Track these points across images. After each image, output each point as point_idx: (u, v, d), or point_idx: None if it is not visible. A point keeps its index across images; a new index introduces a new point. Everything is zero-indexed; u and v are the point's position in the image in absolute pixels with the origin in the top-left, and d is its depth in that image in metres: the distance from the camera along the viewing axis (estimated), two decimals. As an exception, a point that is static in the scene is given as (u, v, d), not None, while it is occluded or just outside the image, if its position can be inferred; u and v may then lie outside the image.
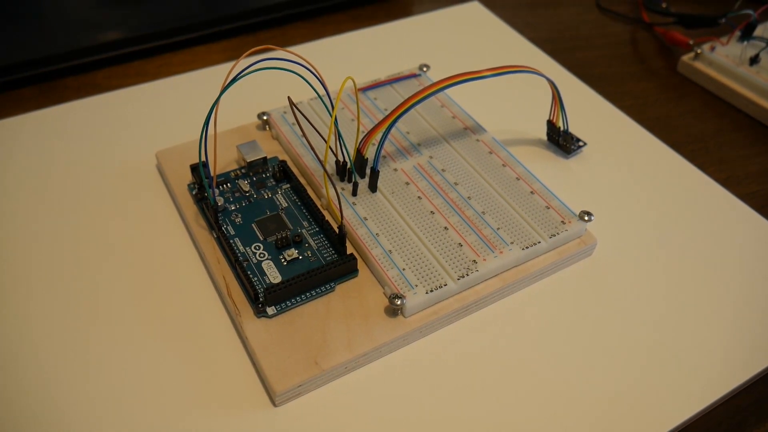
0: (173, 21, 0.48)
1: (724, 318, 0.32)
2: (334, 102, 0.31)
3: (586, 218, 0.34)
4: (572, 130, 0.41)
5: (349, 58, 0.48)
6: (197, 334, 0.30)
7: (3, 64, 0.44)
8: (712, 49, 0.49)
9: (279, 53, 0.31)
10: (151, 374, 0.29)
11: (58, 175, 0.38)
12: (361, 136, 0.35)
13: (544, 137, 0.42)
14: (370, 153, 0.35)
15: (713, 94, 0.48)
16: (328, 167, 0.36)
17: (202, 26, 0.49)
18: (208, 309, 0.31)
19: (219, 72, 0.46)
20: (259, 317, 0.30)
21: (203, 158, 0.31)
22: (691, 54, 0.49)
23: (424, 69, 0.43)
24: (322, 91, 0.32)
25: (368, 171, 0.35)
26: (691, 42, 0.50)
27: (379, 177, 0.35)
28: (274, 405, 0.28)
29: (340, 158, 0.35)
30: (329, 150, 0.35)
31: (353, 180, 0.34)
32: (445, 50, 0.49)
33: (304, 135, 0.31)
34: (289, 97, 0.32)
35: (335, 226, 0.32)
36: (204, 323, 0.31)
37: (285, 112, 0.39)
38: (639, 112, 0.46)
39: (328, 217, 0.34)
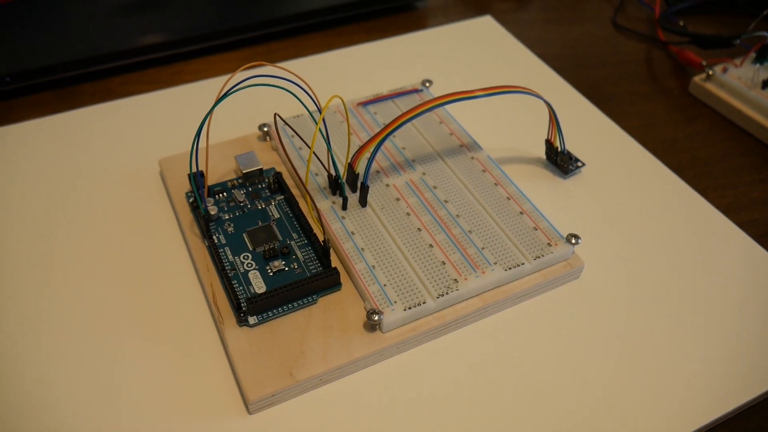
0: (188, 30, 0.50)
1: (713, 347, 0.32)
2: (322, 118, 0.32)
3: (573, 241, 0.34)
4: (573, 149, 0.41)
5: (357, 70, 0.49)
6: (183, 338, 0.32)
7: (23, 69, 0.46)
8: (725, 70, 0.48)
9: (269, 69, 0.32)
10: (132, 375, 0.30)
11: (66, 176, 0.40)
12: (354, 151, 0.35)
13: (544, 156, 0.42)
14: (361, 168, 0.35)
15: (723, 116, 0.47)
16: (321, 180, 0.37)
17: (215, 36, 0.51)
18: (195, 315, 0.32)
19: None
20: (240, 326, 0.31)
21: (194, 169, 0.32)
22: (703, 75, 0.48)
23: (427, 84, 0.44)
24: (312, 107, 0.33)
25: (360, 185, 0.35)
26: (704, 63, 0.49)
27: (371, 192, 0.36)
28: (249, 412, 0.29)
29: (333, 172, 0.36)
30: (324, 162, 0.36)
31: (343, 194, 0.35)
32: (452, 65, 0.50)
33: (292, 149, 0.32)
34: (276, 114, 0.33)
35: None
36: (190, 329, 0.32)
37: (286, 124, 0.40)
38: (644, 133, 0.45)
39: (318, 229, 0.35)
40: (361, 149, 0.34)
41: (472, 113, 0.43)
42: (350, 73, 0.49)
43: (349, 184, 0.36)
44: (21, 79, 0.46)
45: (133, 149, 0.42)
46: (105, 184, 0.39)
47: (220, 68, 0.50)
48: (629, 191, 0.40)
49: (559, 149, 0.40)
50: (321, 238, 0.32)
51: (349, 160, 0.35)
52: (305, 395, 0.30)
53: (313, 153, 0.35)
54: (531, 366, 0.31)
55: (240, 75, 0.32)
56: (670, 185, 0.41)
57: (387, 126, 0.34)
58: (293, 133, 0.39)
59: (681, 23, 0.55)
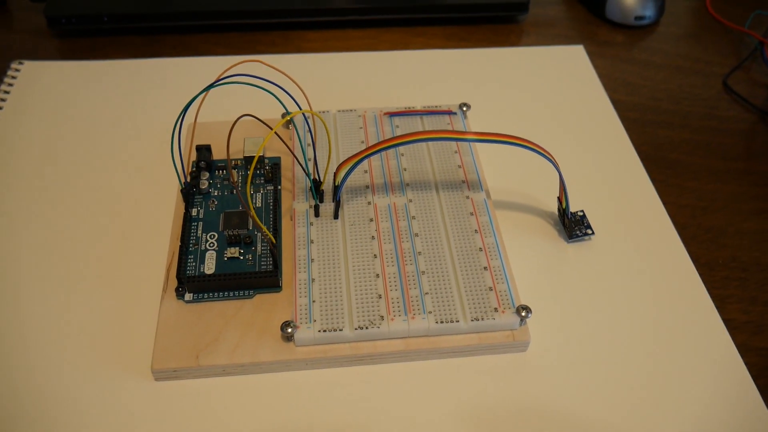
0: (275, 3, 0.52)
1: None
2: (311, 123, 0.33)
3: (523, 314, 0.32)
4: (595, 213, 0.38)
5: (409, 76, 0.48)
6: (132, 291, 0.35)
7: (119, 12, 0.51)
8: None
9: (267, 60, 0.33)
10: (70, 308, 0.34)
11: (108, 118, 0.44)
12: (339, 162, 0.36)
13: (557, 213, 0.39)
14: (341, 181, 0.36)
15: (797, 220, 0.41)
16: (308, 182, 0.38)
17: (293, 14, 0.52)
18: (152, 276, 0.35)
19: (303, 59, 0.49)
20: (177, 299, 0.33)
21: (176, 142, 0.34)
22: (790, 168, 0.42)
23: (464, 108, 0.43)
24: (306, 110, 0.34)
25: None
26: (800, 153, 0.43)
27: (349, 206, 0.36)
28: (154, 379, 0.31)
29: (316, 177, 0.36)
30: (321, 166, 0.37)
31: (316, 201, 0.36)
32: (509, 91, 0.47)
33: (300, 144, 0.33)
34: (283, 113, 0.33)
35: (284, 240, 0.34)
36: (142, 286, 0.35)
37: (309, 117, 0.41)
38: (690, 216, 0.41)
39: (287, 228, 0.36)
40: (342, 164, 0.35)
41: (502, 149, 0.41)
42: (400, 78, 0.48)
43: (333, 194, 0.36)
44: (116, 21, 0.51)
45: (181, 106, 0.45)
46: (134, 136, 0.43)
47: (295, 45, 0.52)
48: (634, 278, 0.36)
49: (566, 211, 0.37)
50: (273, 242, 0.34)
51: (325, 172, 0.36)
52: (207, 380, 0.32)
53: (305, 156, 0.35)
54: (432, 418, 0.30)
55: (238, 68, 0.33)
56: (685, 287, 0.36)
57: (367, 149, 0.34)
58: (315, 127, 0.40)
59: (803, 100, 0.48)
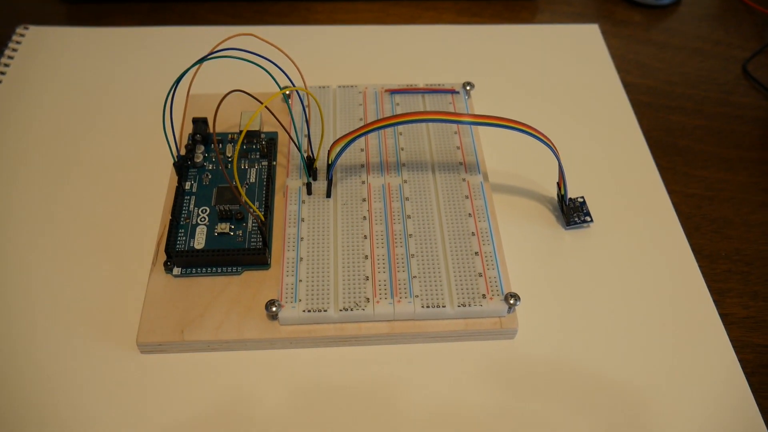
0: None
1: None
2: (304, 97, 0.32)
3: (512, 301, 0.32)
4: (597, 201, 0.38)
5: (415, 52, 0.47)
6: (123, 266, 0.35)
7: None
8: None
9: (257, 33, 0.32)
10: (56, 283, 0.34)
11: (110, 87, 0.44)
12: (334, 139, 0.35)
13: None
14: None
15: (808, 215, 0.40)
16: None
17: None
18: (143, 248, 0.35)
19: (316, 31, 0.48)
20: (166, 272, 0.33)
21: (168, 119, 0.33)
22: (804, 159, 0.40)
23: (467, 87, 0.41)
24: (300, 86, 0.33)
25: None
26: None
27: (343, 185, 0.36)
28: (140, 351, 0.32)
29: (310, 154, 0.36)
30: (315, 143, 0.36)
31: (308, 179, 0.35)
32: (517, 70, 0.46)
33: (299, 120, 0.33)
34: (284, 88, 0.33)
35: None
36: (134, 258, 0.35)
37: (303, 93, 0.41)
38: (695, 206, 0.40)
39: (279, 205, 0.36)
40: (335, 143, 0.34)
41: (503, 131, 0.40)
42: (406, 54, 0.47)
43: (327, 172, 0.36)
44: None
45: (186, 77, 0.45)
46: (136, 104, 0.43)
47: (302, 16, 0.51)
48: (630, 269, 0.36)
49: (564, 197, 0.36)
50: (261, 219, 0.33)
51: (319, 149, 0.35)
52: (192, 354, 0.32)
53: (300, 133, 0.35)
54: (414, 402, 0.30)
55: (234, 41, 0.33)
56: (684, 280, 0.35)
57: (359, 128, 0.33)
58: (308, 103, 0.40)
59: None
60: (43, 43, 0.47)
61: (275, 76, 0.33)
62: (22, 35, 0.48)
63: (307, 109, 0.36)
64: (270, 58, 0.33)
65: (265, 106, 0.31)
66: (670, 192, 0.39)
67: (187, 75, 0.32)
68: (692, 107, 0.46)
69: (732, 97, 0.46)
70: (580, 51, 0.48)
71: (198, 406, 0.30)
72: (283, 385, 0.31)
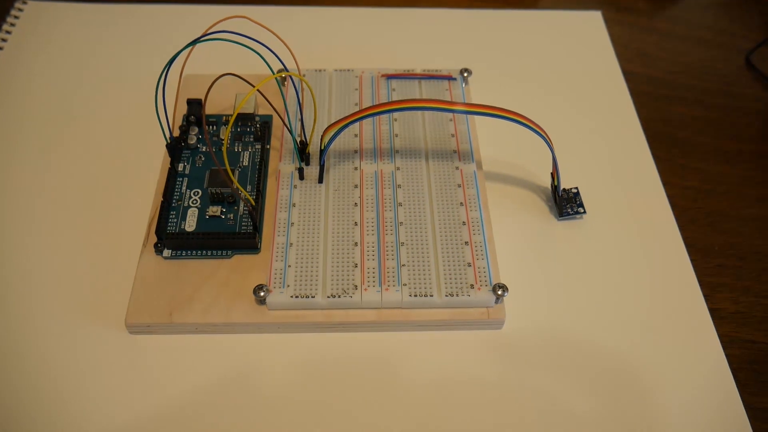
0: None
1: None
2: (297, 80, 0.32)
3: (499, 292, 0.32)
4: (591, 192, 0.37)
5: (413, 35, 0.47)
6: (114, 246, 0.35)
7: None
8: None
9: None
10: (47, 262, 0.34)
11: (105, 66, 0.44)
12: (326, 125, 0.35)
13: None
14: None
15: (804, 210, 0.39)
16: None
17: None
18: (135, 230, 0.35)
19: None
20: (156, 254, 0.33)
21: (161, 100, 0.33)
22: (803, 154, 0.40)
23: (465, 74, 0.41)
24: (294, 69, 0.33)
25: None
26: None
27: (335, 170, 0.36)
28: (129, 332, 0.32)
29: (303, 139, 0.36)
30: (308, 127, 0.36)
31: (300, 164, 0.35)
32: (516, 57, 0.45)
33: (293, 103, 0.33)
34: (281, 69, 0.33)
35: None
36: (124, 238, 0.35)
37: (305, 74, 0.40)
38: (691, 199, 0.39)
39: (272, 189, 0.36)
40: (328, 128, 0.34)
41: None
42: (405, 37, 0.46)
43: (318, 156, 0.36)
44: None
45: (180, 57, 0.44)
46: (136, 81, 0.42)
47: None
48: (621, 261, 0.35)
49: (557, 188, 0.36)
50: (251, 203, 0.33)
51: (311, 134, 0.35)
52: (180, 336, 0.32)
53: (295, 117, 0.35)
54: (400, 389, 0.31)
55: (226, 23, 0.32)
56: (677, 271, 0.35)
57: (351, 114, 0.33)
58: (304, 87, 0.40)
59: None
60: (40, 18, 0.47)
61: (270, 59, 0.32)
62: (20, 9, 0.47)
63: (300, 94, 0.36)
64: (265, 41, 0.32)
65: (258, 90, 0.31)
66: (666, 184, 0.39)
67: (180, 55, 0.32)
68: (693, 98, 0.45)
69: (734, 89, 0.46)
70: (582, 38, 0.47)
71: (185, 388, 0.30)
72: (269, 370, 0.31)
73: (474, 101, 0.41)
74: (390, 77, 0.41)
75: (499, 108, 0.33)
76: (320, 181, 0.35)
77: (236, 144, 0.38)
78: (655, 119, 0.43)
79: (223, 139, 0.38)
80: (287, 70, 0.34)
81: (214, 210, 0.34)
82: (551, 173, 0.37)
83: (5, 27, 0.46)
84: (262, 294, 0.31)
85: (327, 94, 0.40)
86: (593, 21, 0.49)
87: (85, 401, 0.30)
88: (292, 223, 0.34)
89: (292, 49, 0.35)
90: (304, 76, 0.40)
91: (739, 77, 0.47)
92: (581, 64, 0.45)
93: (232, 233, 0.33)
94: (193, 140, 0.37)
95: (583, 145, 0.40)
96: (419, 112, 0.39)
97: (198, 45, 0.31)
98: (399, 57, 0.45)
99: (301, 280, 0.32)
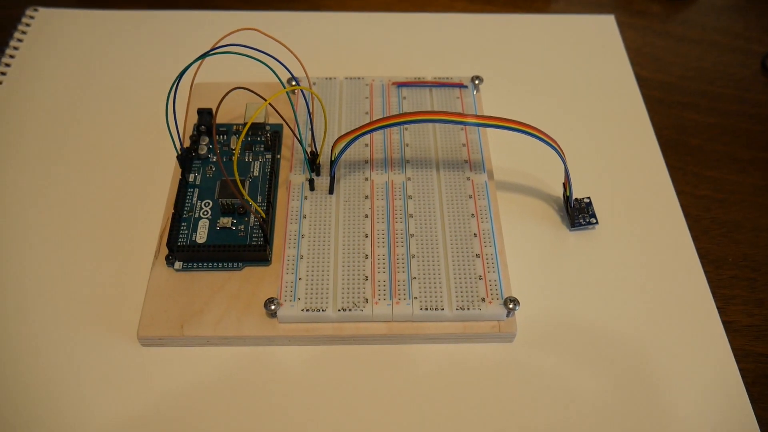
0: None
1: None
2: (308, 92, 0.32)
3: (510, 306, 0.31)
4: (604, 201, 0.37)
5: (424, 42, 0.46)
6: (127, 258, 0.35)
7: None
8: None
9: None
10: (60, 273, 0.34)
11: (116, 74, 0.44)
12: (338, 136, 0.35)
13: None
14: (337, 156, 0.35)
15: (820, 220, 0.39)
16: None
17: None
18: (147, 239, 0.35)
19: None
20: (168, 266, 0.33)
21: (171, 111, 0.33)
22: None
23: (476, 81, 0.41)
24: (303, 79, 0.33)
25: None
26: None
27: (346, 181, 0.36)
28: (141, 344, 0.32)
29: (313, 149, 0.36)
30: (319, 137, 0.36)
31: (310, 175, 0.35)
32: (528, 63, 0.45)
33: (303, 113, 0.33)
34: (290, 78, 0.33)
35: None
36: (136, 249, 0.35)
37: (314, 83, 0.40)
38: (705, 209, 0.39)
39: (282, 200, 0.36)
40: (338, 140, 0.34)
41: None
42: (416, 43, 0.46)
43: (329, 167, 0.36)
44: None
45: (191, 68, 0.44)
46: (148, 89, 0.42)
47: (312, 2, 0.50)
48: (634, 273, 0.35)
49: (570, 198, 0.36)
50: (261, 216, 0.33)
51: (322, 145, 0.35)
52: (191, 348, 0.32)
53: (306, 127, 0.35)
54: (411, 403, 0.31)
55: (232, 37, 0.32)
56: (690, 283, 0.35)
57: (362, 126, 0.33)
58: (313, 99, 0.39)
59: None
60: (52, 25, 0.47)
61: (279, 71, 0.32)
62: (32, 17, 0.47)
63: (311, 104, 0.36)
64: (275, 49, 0.32)
65: (269, 103, 0.31)
66: (679, 193, 0.39)
67: (185, 71, 0.32)
68: (706, 104, 0.45)
69: (749, 95, 0.45)
70: (594, 43, 0.47)
71: (196, 400, 0.30)
72: (280, 382, 0.31)
73: (485, 108, 0.41)
74: (400, 85, 0.40)
75: (510, 120, 0.33)
76: (331, 192, 0.35)
77: (247, 154, 0.38)
78: (667, 126, 0.43)
79: (233, 149, 0.38)
80: (297, 82, 0.34)
81: (225, 221, 0.34)
82: (563, 183, 0.36)
83: (16, 35, 0.46)
84: (273, 307, 0.31)
85: (337, 103, 0.40)
86: (606, 25, 0.48)
87: (98, 412, 0.30)
88: (303, 235, 0.34)
89: (302, 54, 0.35)
90: (314, 84, 0.40)
91: (754, 83, 0.46)
92: (594, 69, 0.45)
93: (243, 245, 0.33)
94: (203, 150, 0.37)
95: (596, 152, 0.40)
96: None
97: (194, 62, 0.31)
98: (409, 62, 0.45)
99: (311, 293, 0.32)
